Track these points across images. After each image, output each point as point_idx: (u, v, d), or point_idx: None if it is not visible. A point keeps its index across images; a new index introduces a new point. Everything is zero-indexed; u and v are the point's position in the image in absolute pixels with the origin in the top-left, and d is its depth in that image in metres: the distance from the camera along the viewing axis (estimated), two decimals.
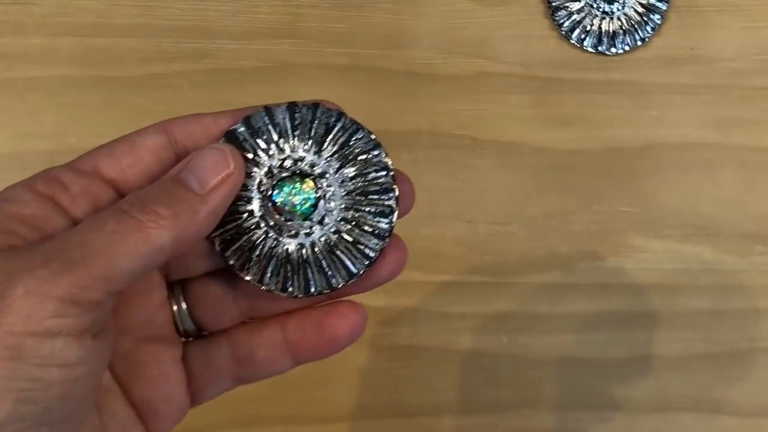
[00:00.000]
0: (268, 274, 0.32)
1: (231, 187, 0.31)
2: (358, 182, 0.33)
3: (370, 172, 0.33)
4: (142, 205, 0.29)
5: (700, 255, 0.50)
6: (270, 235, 0.33)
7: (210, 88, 0.52)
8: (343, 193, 0.33)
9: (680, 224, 0.50)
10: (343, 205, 0.33)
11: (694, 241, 0.50)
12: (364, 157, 0.33)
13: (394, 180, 0.33)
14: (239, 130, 0.33)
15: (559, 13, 0.52)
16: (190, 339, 0.34)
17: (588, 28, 0.52)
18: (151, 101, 0.52)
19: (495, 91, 0.52)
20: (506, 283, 0.50)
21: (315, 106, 0.33)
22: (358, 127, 0.33)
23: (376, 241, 0.33)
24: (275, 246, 0.33)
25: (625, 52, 0.52)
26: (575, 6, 0.52)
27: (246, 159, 0.32)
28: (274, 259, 0.33)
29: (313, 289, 0.32)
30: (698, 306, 0.50)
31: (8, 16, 0.52)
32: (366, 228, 0.33)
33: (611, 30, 0.52)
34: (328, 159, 0.33)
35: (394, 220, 0.33)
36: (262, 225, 0.33)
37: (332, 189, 0.33)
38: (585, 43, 0.52)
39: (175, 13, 0.53)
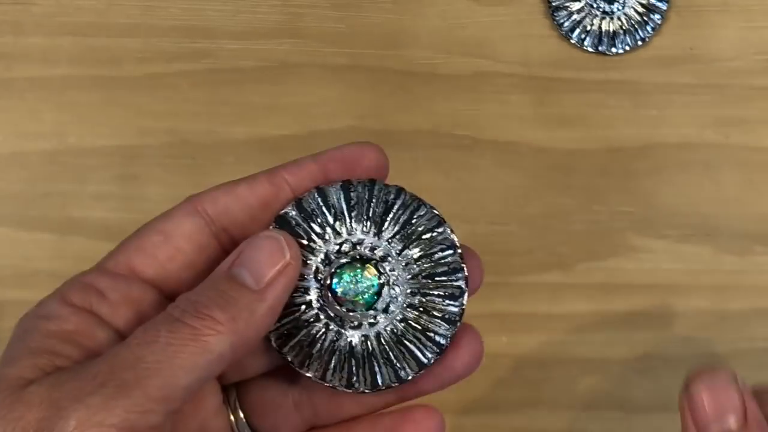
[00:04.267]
0: (331, 370, 0.30)
1: (289, 279, 0.28)
2: (424, 264, 0.30)
3: (435, 252, 0.31)
4: (195, 310, 0.26)
5: (700, 255, 0.50)
6: (331, 327, 0.30)
7: (210, 88, 0.52)
8: (408, 277, 0.30)
9: (680, 224, 0.50)
10: (408, 290, 0.30)
11: (694, 241, 0.50)
12: (428, 235, 0.31)
13: (462, 258, 0.31)
14: (290, 214, 0.30)
15: (559, 13, 0.52)
16: None
17: (588, 28, 0.52)
18: (151, 101, 0.52)
19: (495, 91, 0.52)
20: (506, 283, 0.50)
21: (371, 183, 0.31)
22: (420, 203, 0.31)
23: (446, 326, 0.30)
24: (337, 339, 0.30)
25: (625, 52, 0.52)
26: (575, 6, 0.52)
27: (300, 245, 0.30)
28: (337, 353, 0.30)
29: (380, 383, 0.30)
30: (698, 306, 0.50)
31: (8, 16, 0.52)
32: (435, 313, 0.30)
33: (611, 30, 0.52)
34: (390, 240, 0.30)
35: (464, 302, 0.31)
36: (322, 317, 0.30)
37: (396, 273, 0.30)
38: (585, 43, 0.52)
39: (175, 13, 0.53)
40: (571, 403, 0.49)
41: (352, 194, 0.31)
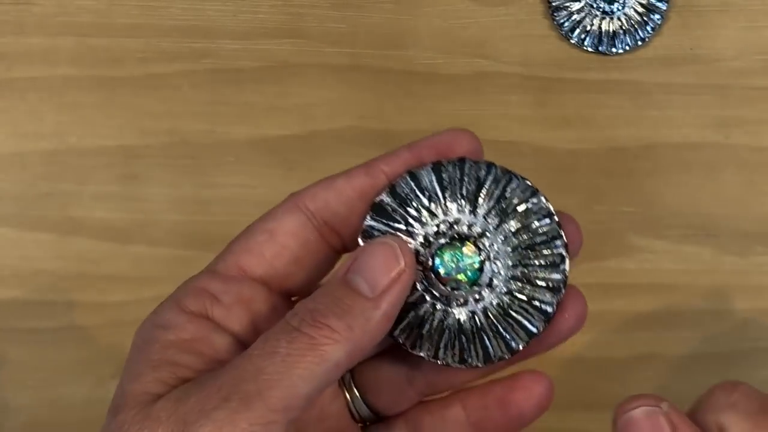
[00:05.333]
0: (443, 348, 0.31)
1: (403, 286, 0.28)
2: (522, 235, 0.31)
3: (532, 222, 0.31)
4: (312, 319, 0.27)
5: (700, 255, 0.50)
6: (438, 307, 0.31)
7: (210, 88, 0.52)
8: (508, 250, 0.31)
9: (681, 224, 0.50)
10: (510, 263, 0.31)
11: (695, 241, 0.50)
12: (523, 207, 0.31)
13: (559, 225, 0.31)
14: (385, 201, 0.31)
15: (559, 13, 0.52)
16: (368, 424, 0.32)
17: (588, 28, 0.52)
18: (151, 101, 0.52)
19: (495, 91, 0.52)
20: None
21: (461, 161, 0.31)
22: (512, 176, 0.31)
23: (551, 295, 0.31)
24: (445, 318, 0.31)
25: (625, 52, 0.52)
26: (575, 6, 0.52)
27: (398, 230, 0.30)
28: (447, 331, 0.31)
29: (493, 356, 0.31)
30: (698, 306, 0.50)
31: (9, 16, 0.52)
32: (539, 283, 0.31)
33: (611, 30, 0.52)
34: (486, 216, 0.31)
35: (566, 269, 0.31)
36: (428, 298, 0.31)
37: (496, 248, 0.31)
38: (585, 43, 0.52)
39: (175, 13, 0.53)
40: (571, 403, 0.49)
41: (443, 175, 0.31)
